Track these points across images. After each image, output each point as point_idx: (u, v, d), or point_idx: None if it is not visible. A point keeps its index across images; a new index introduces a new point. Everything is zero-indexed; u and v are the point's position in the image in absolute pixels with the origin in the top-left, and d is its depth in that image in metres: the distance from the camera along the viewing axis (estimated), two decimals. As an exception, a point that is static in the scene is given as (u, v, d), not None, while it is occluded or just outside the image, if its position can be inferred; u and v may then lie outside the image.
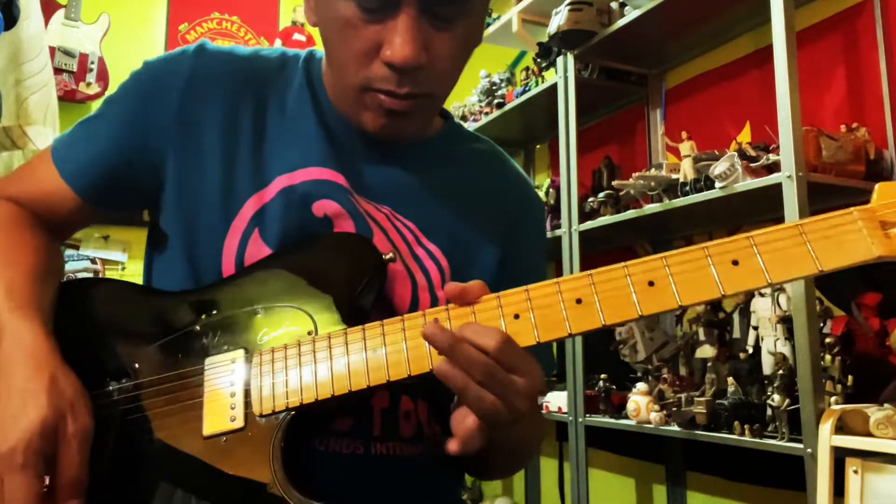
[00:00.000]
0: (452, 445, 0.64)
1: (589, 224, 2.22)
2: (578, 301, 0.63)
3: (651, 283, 0.62)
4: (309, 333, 0.70)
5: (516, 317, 0.64)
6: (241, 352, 0.71)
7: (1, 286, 0.71)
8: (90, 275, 3.11)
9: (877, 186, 0.61)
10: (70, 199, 0.81)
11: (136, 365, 0.73)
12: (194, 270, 0.78)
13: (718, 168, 1.74)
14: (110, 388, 0.72)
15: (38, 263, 0.76)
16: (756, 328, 1.74)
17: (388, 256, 0.74)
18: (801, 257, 0.59)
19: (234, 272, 0.76)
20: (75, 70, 3.25)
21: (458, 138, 0.93)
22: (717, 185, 1.75)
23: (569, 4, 2.27)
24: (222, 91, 0.80)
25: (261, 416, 0.67)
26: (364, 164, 0.82)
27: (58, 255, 0.84)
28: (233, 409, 0.68)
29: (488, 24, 2.90)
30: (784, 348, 1.65)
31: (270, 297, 0.73)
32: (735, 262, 0.61)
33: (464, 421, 0.65)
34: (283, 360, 0.69)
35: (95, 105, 3.24)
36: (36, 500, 0.62)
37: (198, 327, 0.73)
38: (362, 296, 0.73)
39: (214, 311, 0.74)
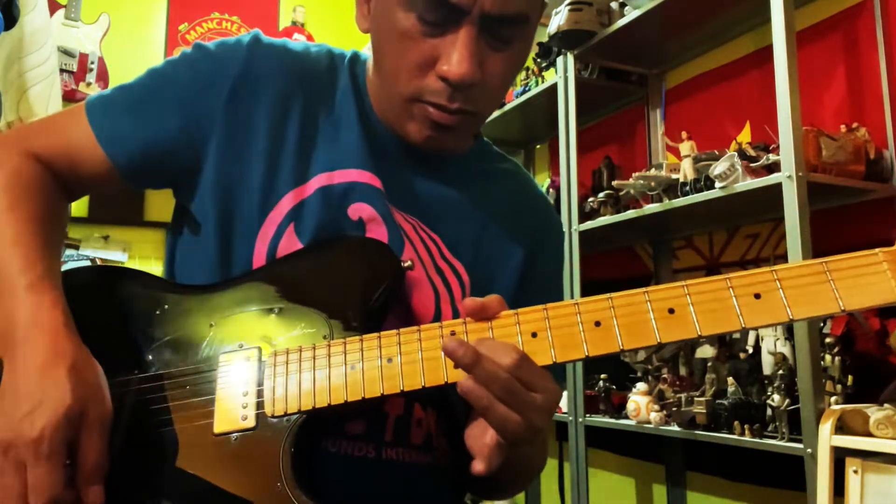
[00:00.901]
0: (479, 466, 0.63)
1: (589, 224, 2.22)
2: (597, 324, 0.62)
3: (671, 311, 0.61)
4: (324, 337, 0.70)
5: (534, 335, 0.64)
6: (255, 351, 0.70)
7: (17, 257, 0.70)
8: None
9: None
10: (101, 165, 0.79)
11: (149, 357, 0.72)
12: (226, 256, 0.77)
13: (718, 168, 1.74)
14: (122, 378, 0.71)
15: (52, 231, 0.75)
16: (756, 328, 1.74)
17: (406, 264, 0.74)
18: (824, 295, 0.59)
19: (264, 262, 0.76)
20: (75, 70, 3.25)
21: (488, 156, 0.93)
22: (717, 185, 1.75)
23: (569, 4, 2.27)
24: (275, 84, 0.80)
25: (273, 417, 0.67)
26: (399, 173, 0.82)
27: (66, 219, 0.83)
28: (244, 408, 0.68)
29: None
30: (784, 348, 1.65)
31: (287, 298, 0.73)
32: (757, 296, 0.60)
33: (482, 439, 0.64)
34: (297, 363, 0.68)
35: (95, 105, 3.23)
36: (61, 487, 0.61)
37: (212, 323, 0.73)
38: (379, 301, 0.73)
39: (230, 308, 0.73)
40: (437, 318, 0.78)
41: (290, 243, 0.76)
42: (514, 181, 0.94)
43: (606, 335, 0.62)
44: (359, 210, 0.78)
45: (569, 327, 0.63)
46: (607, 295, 0.63)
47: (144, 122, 0.79)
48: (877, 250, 0.60)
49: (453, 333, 0.65)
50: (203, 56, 0.81)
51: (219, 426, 0.68)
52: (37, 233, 0.73)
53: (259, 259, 0.76)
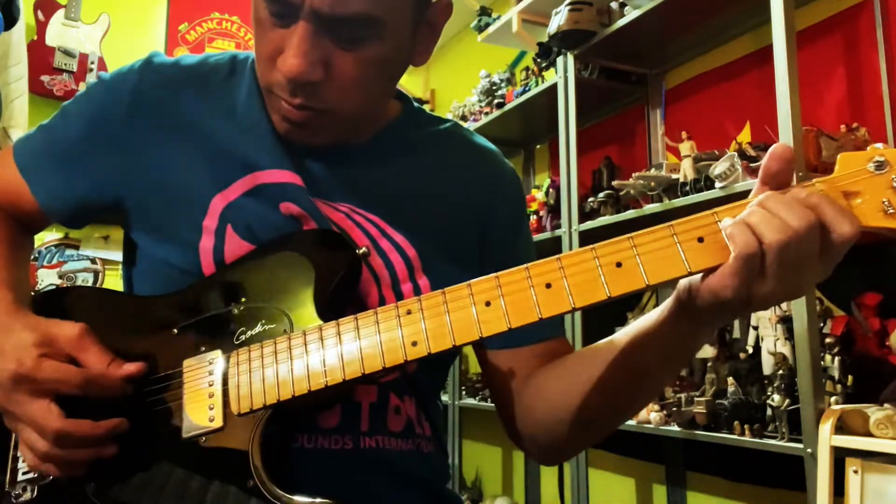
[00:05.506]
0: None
1: (589, 224, 2.22)
2: (548, 286, 0.64)
3: (619, 265, 0.62)
4: (284, 331, 0.71)
5: (487, 304, 0.64)
6: (218, 352, 0.71)
7: None
8: (89, 275, 3.11)
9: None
10: (35, 207, 0.84)
11: None
12: (174, 272, 0.78)
13: (718, 168, 1.74)
14: None
15: (19, 255, 0.81)
16: (756, 328, 1.74)
17: (361, 251, 0.74)
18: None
19: (214, 268, 0.76)
20: (75, 70, 3.25)
21: (417, 124, 0.90)
22: (717, 185, 1.75)
23: (569, 4, 2.27)
24: (170, 99, 0.81)
25: (239, 414, 0.68)
26: (316, 165, 0.81)
27: (30, 248, 0.90)
28: (211, 409, 0.69)
29: (488, 24, 2.90)
30: (784, 348, 1.65)
31: (246, 297, 0.74)
32: (700, 239, 0.61)
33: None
34: (259, 359, 0.69)
35: (95, 105, 3.23)
36: (58, 415, 0.67)
37: (175, 330, 0.74)
38: (337, 291, 0.73)
39: (191, 313, 0.75)
40: (382, 303, 0.77)
41: (236, 244, 0.76)
42: (453, 140, 0.91)
43: (557, 295, 0.63)
44: (287, 209, 0.78)
45: (521, 292, 0.64)
46: (556, 256, 0.65)
47: (62, 167, 0.83)
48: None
49: (409, 312, 0.66)
50: (100, 87, 0.84)
51: (187, 429, 0.69)
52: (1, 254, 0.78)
53: (208, 266, 0.77)
